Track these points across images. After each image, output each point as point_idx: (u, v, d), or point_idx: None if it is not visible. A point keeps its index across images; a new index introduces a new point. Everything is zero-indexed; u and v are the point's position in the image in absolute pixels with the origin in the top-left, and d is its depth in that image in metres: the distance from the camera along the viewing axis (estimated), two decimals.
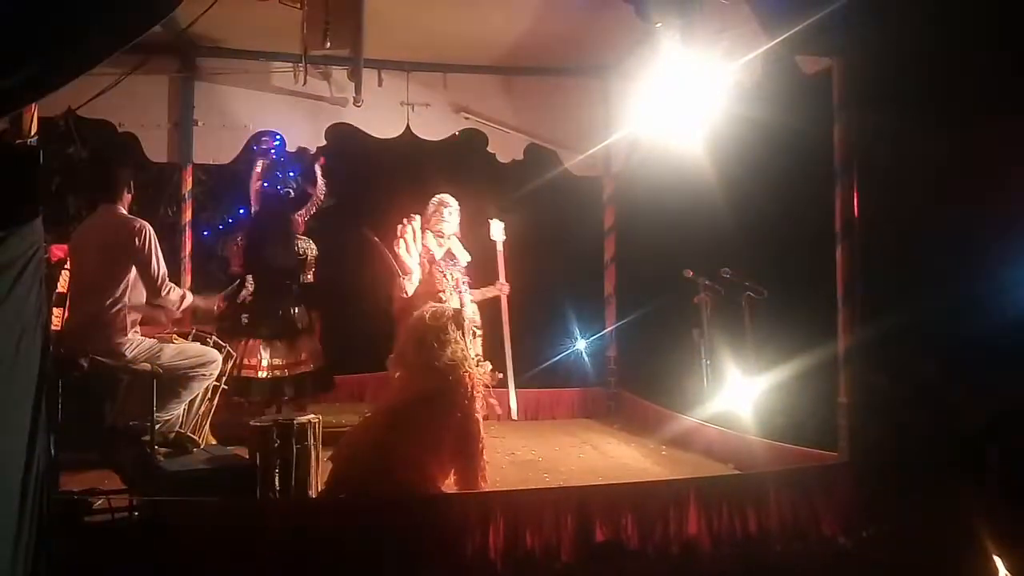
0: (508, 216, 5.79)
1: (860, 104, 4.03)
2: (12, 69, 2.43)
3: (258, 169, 5.82)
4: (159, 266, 4.19)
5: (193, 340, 4.51)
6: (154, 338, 4.30)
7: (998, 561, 3.69)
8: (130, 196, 4.39)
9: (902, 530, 3.84)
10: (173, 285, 4.31)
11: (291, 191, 5.89)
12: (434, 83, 6.18)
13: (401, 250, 4.84)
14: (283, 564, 3.24)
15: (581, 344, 7.17)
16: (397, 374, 4.26)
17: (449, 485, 3.91)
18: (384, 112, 6.07)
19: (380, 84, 5.97)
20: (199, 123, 5.82)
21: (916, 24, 4.20)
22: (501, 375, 4.84)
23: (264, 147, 5.91)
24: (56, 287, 4.50)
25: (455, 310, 4.23)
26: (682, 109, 4.67)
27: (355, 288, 6.58)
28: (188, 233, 5.85)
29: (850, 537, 3.81)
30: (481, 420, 4.02)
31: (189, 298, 4.46)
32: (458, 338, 4.04)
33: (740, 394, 5.11)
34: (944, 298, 5.11)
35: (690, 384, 5.68)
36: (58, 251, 4.73)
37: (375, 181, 7.88)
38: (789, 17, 3.71)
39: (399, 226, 4.93)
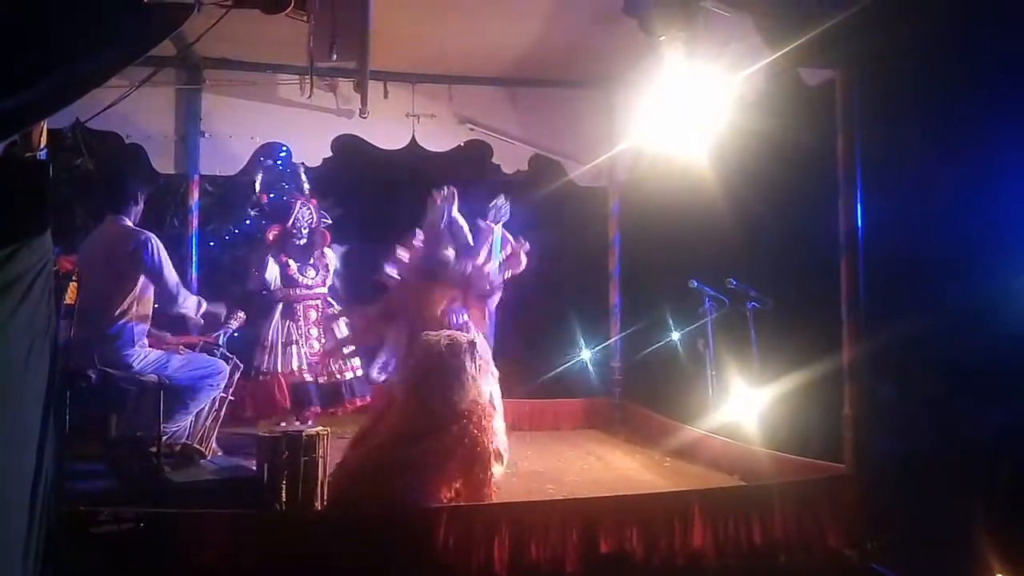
0: (513, 226, 5.81)
1: (863, 115, 4.04)
2: (20, 89, 2.46)
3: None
4: (172, 276, 4.22)
5: (201, 351, 4.54)
6: (161, 349, 4.33)
7: None
8: (141, 208, 4.43)
9: (908, 543, 3.83)
10: (188, 292, 4.34)
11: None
12: (439, 95, 6.22)
13: None
14: None
15: (586, 354, 7.18)
16: (402, 398, 4.08)
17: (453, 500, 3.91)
18: (390, 123, 6.11)
19: (386, 96, 6.01)
20: (206, 135, 5.86)
21: (919, 36, 4.22)
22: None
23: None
24: (64, 299, 4.53)
25: (470, 341, 4.10)
26: (686, 121, 4.69)
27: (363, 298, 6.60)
28: (195, 244, 5.90)
29: (855, 549, 3.80)
30: (492, 453, 3.95)
31: (204, 304, 4.50)
32: (473, 372, 3.97)
33: (745, 405, 5.12)
34: (950, 309, 5.11)
35: (695, 395, 5.68)
36: (66, 263, 4.76)
37: (380, 192, 7.91)
38: (792, 30, 3.73)
39: None
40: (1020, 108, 4.97)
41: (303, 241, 5.81)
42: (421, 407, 3.91)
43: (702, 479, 4.72)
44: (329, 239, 5.93)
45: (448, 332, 4.13)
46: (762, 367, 5.21)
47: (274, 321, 5.67)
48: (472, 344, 4.07)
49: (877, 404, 4.09)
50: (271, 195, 6.30)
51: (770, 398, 5.02)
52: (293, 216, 5.81)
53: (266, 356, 5.62)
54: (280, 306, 5.71)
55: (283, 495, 3.64)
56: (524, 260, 5.05)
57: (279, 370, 5.57)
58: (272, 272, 5.67)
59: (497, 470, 4.32)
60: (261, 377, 5.57)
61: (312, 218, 5.85)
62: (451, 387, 3.89)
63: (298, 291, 5.72)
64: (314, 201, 5.99)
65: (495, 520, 3.45)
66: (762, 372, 5.19)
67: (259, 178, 6.19)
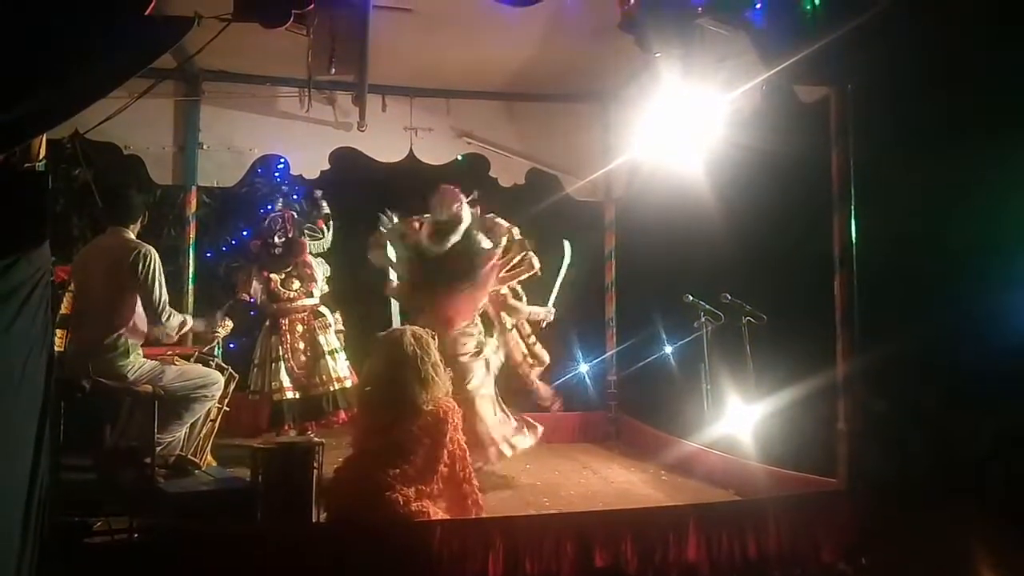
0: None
1: (857, 132, 4.08)
2: (21, 102, 2.48)
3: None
4: (160, 293, 4.21)
5: (196, 362, 4.54)
6: (156, 360, 4.33)
7: None
8: (141, 224, 4.44)
9: (902, 556, 3.83)
10: (173, 311, 4.33)
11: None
12: (437, 108, 6.25)
13: None
14: None
15: (582, 368, 7.17)
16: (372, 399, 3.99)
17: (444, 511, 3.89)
18: (388, 137, 6.13)
19: (384, 109, 6.04)
20: (204, 146, 5.88)
21: (913, 54, 4.26)
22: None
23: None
24: (60, 309, 4.53)
25: (415, 333, 3.97)
26: (682, 136, 4.73)
27: (360, 310, 6.60)
28: (192, 255, 5.91)
29: (850, 563, 3.80)
30: (465, 446, 3.93)
31: (190, 322, 4.49)
32: (435, 362, 3.91)
33: (740, 419, 5.12)
34: (943, 324, 5.14)
35: (691, 409, 5.69)
36: (62, 273, 4.77)
37: (378, 205, 7.92)
38: (787, 48, 3.77)
39: None
40: (1013, 124, 5.01)
41: (278, 251, 5.81)
42: (394, 407, 3.80)
43: (697, 493, 4.72)
44: (306, 249, 5.91)
45: (408, 327, 4.06)
46: (757, 381, 5.22)
47: (261, 338, 5.69)
48: (434, 337, 4.01)
49: (871, 418, 4.10)
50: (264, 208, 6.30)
51: (765, 412, 5.03)
52: (266, 226, 5.83)
53: (255, 374, 5.63)
54: (267, 322, 5.74)
55: (277, 507, 3.63)
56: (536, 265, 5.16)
57: (265, 388, 5.58)
58: (255, 289, 5.69)
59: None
60: (251, 396, 5.58)
61: (286, 228, 5.86)
62: (424, 382, 3.82)
63: (283, 305, 5.73)
64: (290, 213, 6.02)
65: (490, 534, 3.45)
66: (757, 386, 5.20)
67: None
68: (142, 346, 4.31)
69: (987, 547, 3.80)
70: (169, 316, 4.28)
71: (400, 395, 3.81)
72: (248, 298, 5.74)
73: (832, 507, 3.90)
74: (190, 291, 5.77)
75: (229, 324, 4.91)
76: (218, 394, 4.42)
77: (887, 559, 3.79)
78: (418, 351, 3.88)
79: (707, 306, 5.48)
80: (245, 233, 7.72)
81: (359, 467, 3.79)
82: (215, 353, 5.04)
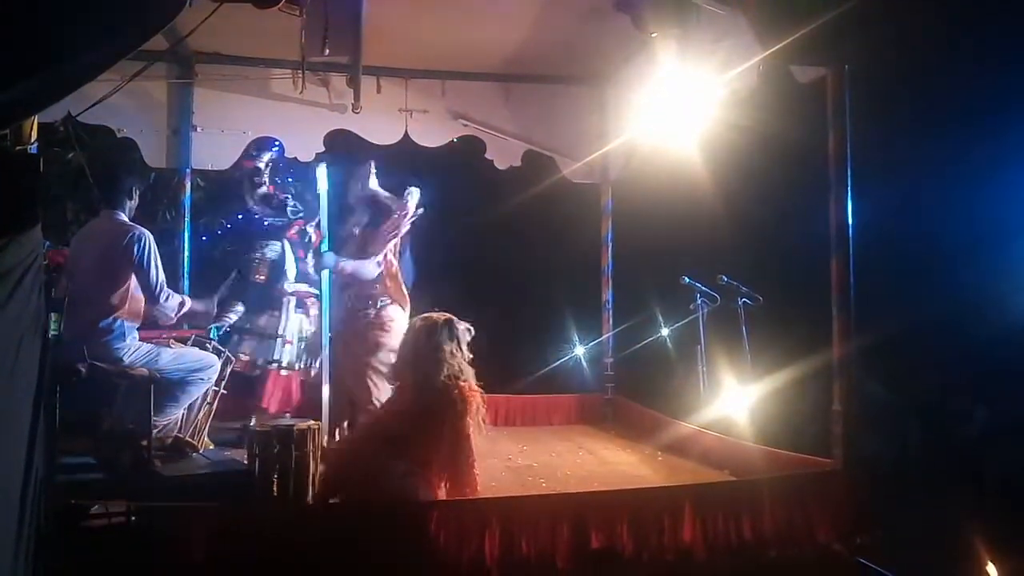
0: (505, 223, 5.82)
1: (854, 113, 4.06)
2: (11, 84, 2.45)
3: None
4: (157, 274, 4.21)
5: (192, 345, 4.54)
6: (152, 343, 4.33)
7: (992, 569, 3.71)
8: (135, 203, 4.43)
9: (897, 537, 3.86)
10: (171, 292, 4.34)
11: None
12: (432, 90, 6.21)
13: None
14: (280, 571, 3.24)
15: (579, 350, 7.20)
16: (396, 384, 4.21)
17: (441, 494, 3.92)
18: (383, 119, 6.10)
19: (379, 91, 6.01)
20: (198, 129, 5.85)
21: (909, 34, 4.24)
22: None
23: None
24: (54, 293, 4.52)
25: (447, 319, 4.09)
26: (678, 117, 4.71)
27: None
28: (187, 238, 5.90)
29: (845, 544, 3.83)
30: (473, 435, 3.94)
31: (188, 304, 4.49)
32: (453, 350, 3.97)
33: (736, 400, 5.14)
34: (938, 306, 5.15)
35: (687, 390, 5.71)
36: (57, 256, 4.75)
37: None
38: (784, 28, 3.75)
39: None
40: (1010, 105, 4.99)
41: (307, 239, 5.79)
42: (405, 390, 3.97)
43: (693, 474, 4.74)
44: (317, 242, 5.88)
45: (427, 314, 4.15)
46: (753, 363, 5.23)
47: (291, 316, 5.62)
48: (449, 320, 4.07)
49: (866, 400, 4.11)
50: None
51: (761, 394, 5.04)
52: (317, 218, 5.76)
53: (287, 351, 5.54)
54: (293, 301, 5.67)
55: (274, 489, 3.65)
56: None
57: (301, 367, 5.54)
58: (291, 268, 5.64)
59: None
60: (283, 372, 5.53)
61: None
62: (428, 364, 3.91)
63: (309, 287, 5.70)
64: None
65: (486, 514, 3.46)
66: (753, 368, 5.21)
67: (267, 171, 6.06)
68: (138, 329, 4.32)
69: (982, 527, 3.82)
70: (168, 297, 4.29)
71: (423, 379, 3.91)
72: (262, 279, 5.66)
73: (827, 487, 3.92)
74: (186, 274, 5.76)
75: (240, 308, 4.90)
76: (215, 377, 4.43)
77: (881, 539, 3.81)
78: (423, 340, 3.97)
79: (703, 288, 5.49)
80: (240, 216, 7.69)
81: (367, 438, 3.94)
82: (212, 336, 5.03)
